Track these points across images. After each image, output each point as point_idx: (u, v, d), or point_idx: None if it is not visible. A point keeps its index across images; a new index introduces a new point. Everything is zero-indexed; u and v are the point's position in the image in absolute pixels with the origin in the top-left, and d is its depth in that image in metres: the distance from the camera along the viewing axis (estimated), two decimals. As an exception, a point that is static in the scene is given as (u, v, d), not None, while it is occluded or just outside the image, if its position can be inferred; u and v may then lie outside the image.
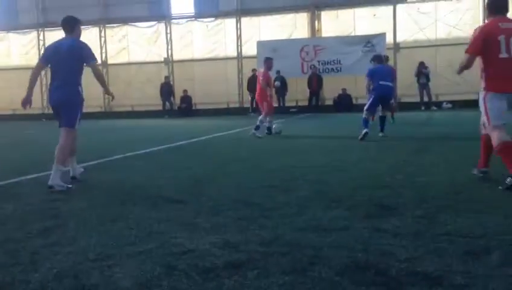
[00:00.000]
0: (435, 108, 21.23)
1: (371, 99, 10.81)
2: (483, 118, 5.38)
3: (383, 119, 11.17)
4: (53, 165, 5.77)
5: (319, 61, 23.52)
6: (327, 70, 23.57)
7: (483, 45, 5.28)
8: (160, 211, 4.49)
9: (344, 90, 23.17)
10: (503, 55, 5.20)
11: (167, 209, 4.54)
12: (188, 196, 5.13)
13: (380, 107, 11.18)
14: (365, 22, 23.66)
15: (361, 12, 23.81)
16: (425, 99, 21.81)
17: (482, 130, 5.61)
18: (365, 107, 10.84)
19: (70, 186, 5.79)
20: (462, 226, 3.65)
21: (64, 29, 6.19)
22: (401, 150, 8.46)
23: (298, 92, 24.03)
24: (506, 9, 5.49)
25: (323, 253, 3.18)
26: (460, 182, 5.35)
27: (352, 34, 23.83)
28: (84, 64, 6.05)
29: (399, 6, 23.02)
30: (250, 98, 23.66)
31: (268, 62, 12.43)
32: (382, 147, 9.03)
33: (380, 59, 11.47)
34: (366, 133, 10.08)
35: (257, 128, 11.88)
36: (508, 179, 4.90)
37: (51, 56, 6.08)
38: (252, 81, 23.13)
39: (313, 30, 24.48)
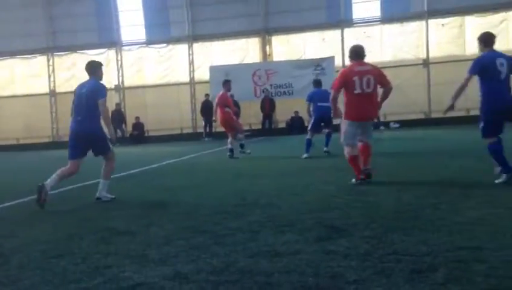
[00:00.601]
0: (383, 128, 21.77)
1: (312, 120, 11.88)
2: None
3: (328, 136, 12.20)
4: (101, 181, 6.99)
5: (271, 85, 23.83)
6: (279, 94, 23.89)
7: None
8: (108, 244, 4.38)
9: (296, 112, 23.48)
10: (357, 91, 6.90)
11: (116, 242, 4.44)
12: (137, 227, 5.04)
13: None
14: (315, 46, 24.23)
15: (311, 37, 24.37)
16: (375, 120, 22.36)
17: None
18: (308, 128, 11.96)
19: (113, 196, 6.90)
20: (409, 245, 3.74)
21: (87, 72, 7.11)
22: (350, 171, 8.58)
23: (251, 116, 24.20)
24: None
25: (274, 279, 3.18)
26: (406, 201, 5.48)
27: (303, 58, 24.30)
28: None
29: (346, 30, 23.69)
30: (203, 123, 23.65)
31: (227, 84, 12.90)
32: (332, 168, 9.16)
33: (317, 83, 12.45)
34: (306, 157, 11.24)
35: (242, 146, 12.88)
36: (353, 180, 6.89)
37: (76, 95, 7.03)
38: (206, 106, 23.23)
39: (265, 54, 24.84)
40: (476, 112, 7.39)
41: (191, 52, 25.41)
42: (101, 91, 6.83)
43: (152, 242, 4.34)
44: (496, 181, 6.18)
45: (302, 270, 3.31)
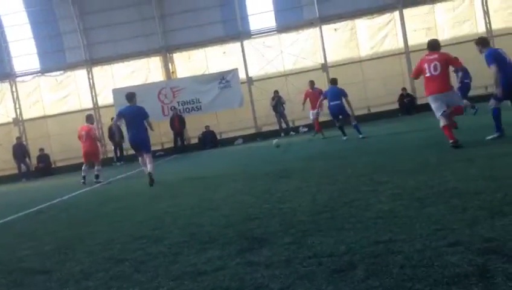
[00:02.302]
0: (293, 133, 22.36)
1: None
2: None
3: (355, 127, 14.32)
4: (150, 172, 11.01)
5: (178, 102, 23.67)
6: (188, 110, 23.80)
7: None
8: (22, 285, 4.14)
9: (207, 127, 23.54)
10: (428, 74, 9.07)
11: (31, 283, 4.20)
12: (53, 264, 4.78)
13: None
14: (217, 60, 24.43)
15: (212, 51, 24.52)
16: (284, 126, 22.91)
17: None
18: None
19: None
20: (328, 246, 3.85)
21: (128, 100, 11.64)
22: (266, 178, 8.73)
23: (162, 135, 23.88)
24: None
25: (200, 299, 3.14)
26: (321, 203, 5.64)
27: (207, 73, 24.39)
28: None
29: (246, 42, 24.11)
30: (113, 147, 23.01)
31: (90, 118, 14.95)
32: (248, 178, 9.25)
33: (333, 81, 15.49)
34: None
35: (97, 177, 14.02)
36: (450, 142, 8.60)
37: (127, 115, 11.43)
38: (112, 132, 22.58)
39: (168, 72, 24.66)
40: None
41: (90, 77, 24.66)
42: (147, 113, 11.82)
43: (70, 278, 4.14)
44: (487, 138, 8.75)
45: (226, 286, 3.31)
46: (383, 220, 4.37)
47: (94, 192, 12.04)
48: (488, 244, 3.28)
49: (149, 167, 11.26)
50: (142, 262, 4.28)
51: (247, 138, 23.17)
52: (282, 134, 22.48)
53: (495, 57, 9.00)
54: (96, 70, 24.78)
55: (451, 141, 8.62)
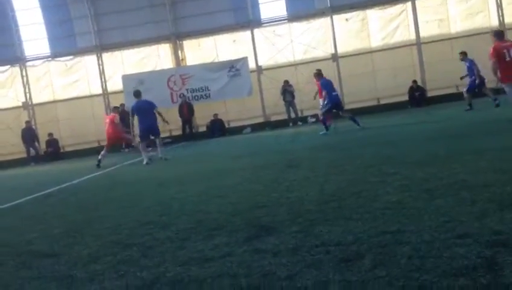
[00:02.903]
0: (300, 123, 22.30)
1: (327, 106, 14.75)
2: None
3: (352, 119, 14.85)
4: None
5: (187, 90, 23.65)
6: (197, 98, 23.77)
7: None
8: (31, 268, 4.17)
9: (216, 115, 23.52)
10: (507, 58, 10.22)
11: (39, 265, 4.22)
12: (61, 247, 4.82)
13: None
14: (227, 48, 24.32)
15: (222, 39, 24.42)
16: (293, 115, 22.86)
17: None
18: (322, 111, 14.93)
19: None
20: (335, 235, 3.84)
21: (136, 96, 14.07)
22: (274, 167, 8.73)
23: (171, 122, 23.80)
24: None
25: (207, 285, 3.15)
26: (329, 192, 5.63)
27: (216, 61, 24.33)
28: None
29: (256, 31, 23.99)
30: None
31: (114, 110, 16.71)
32: (256, 166, 9.24)
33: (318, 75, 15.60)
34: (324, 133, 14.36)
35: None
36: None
37: (139, 109, 13.68)
38: (122, 116, 22.65)
39: (178, 60, 24.61)
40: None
41: (100, 63, 24.68)
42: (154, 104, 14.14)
43: (78, 262, 4.17)
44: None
45: (234, 273, 3.31)
46: (391, 211, 4.36)
47: (103, 177, 12.11)
48: (497, 237, 3.26)
49: (160, 151, 14.39)
50: (150, 247, 4.30)
51: (256, 127, 23.15)
52: (291, 124, 22.43)
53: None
54: (106, 56, 24.78)
55: None
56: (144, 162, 13.29)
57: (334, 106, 14.98)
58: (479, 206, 4.03)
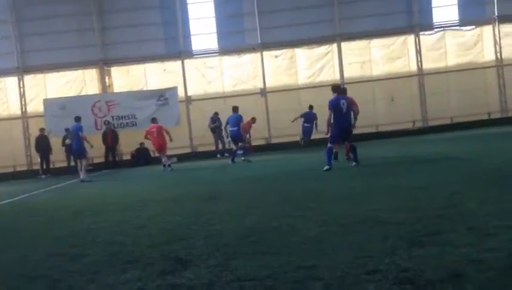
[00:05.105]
0: (227, 155, 22.29)
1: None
2: None
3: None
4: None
5: (113, 117, 23.08)
6: (122, 125, 23.25)
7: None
8: None
9: (142, 144, 23.05)
10: None
11: None
12: (-42, 279, 4.46)
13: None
14: (156, 77, 24.13)
15: (152, 68, 24.23)
16: (220, 147, 22.88)
17: None
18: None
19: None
20: (251, 270, 3.82)
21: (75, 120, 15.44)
22: (197, 199, 8.64)
23: (93, 149, 23.15)
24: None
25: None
26: (249, 226, 5.63)
27: (145, 89, 24.04)
28: None
29: (187, 61, 24.02)
30: (39, 160, 22.09)
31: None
32: (178, 197, 9.11)
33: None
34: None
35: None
36: None
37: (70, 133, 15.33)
38: (41, 141, 21.75)
39: (104, 86, 24.07)
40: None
41: (22, 85, 23.67)
42: None
43: (-26, 296, 3.88)
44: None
45: (144, 308, 3.20)
46: (308, 246, 4.41)
47: (14, 204, 11.46)
48: (405, 273, 3.36)
49: (81, 174, 15.88)
50: (57, 281, 4.08)
51: (182, 157, 22.92)
52: (218, 155, 22.42)
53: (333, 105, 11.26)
54: (28, 78, 23.84)
55: None
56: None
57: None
58: (390, 243, 4.16)
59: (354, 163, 11.45)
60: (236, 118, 17.42)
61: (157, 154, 19.50)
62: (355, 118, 12.91)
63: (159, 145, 18.05)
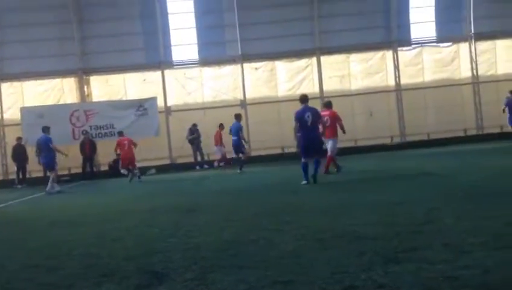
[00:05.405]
0: (206, 166, 22.25)
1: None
2: None
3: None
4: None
5: (91, 126, 22.80)
6: (100, 135, 22.99)
7: None
8: None
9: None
10: None
11: None
12: None
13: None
14: (136, 87, 23.98)
15: (131, 78, 24.07)
16: (199, 159, 22.79)
17: None
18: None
19: None
20: (228, 284, 3.81)
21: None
22: (175, 211, 8.59)
23: (70, 159, 22.88)
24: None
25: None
26: (227, 239, 5.62)
27: (124, 98, 23.87)
28: None
29: (167, 72, 23.94)
30: (16, 169, 21.72)
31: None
32: (157, 209, 9.03)
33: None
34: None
35: None
36: None
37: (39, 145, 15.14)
38: (18, 150, 21.39)
39: (83, 95, 23.83)
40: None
41: (-3, 93, 23.31)
42: None
43: None
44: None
45: (119, 323, 3.16)
46: (285, 260, 4.42)
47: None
48: (380, 289, 3.39)
49: (49, 186, 15.27)
50: (31, 293, 4.01)
51: (161, 169, 22.77)
52: (197, 167, 22.33)
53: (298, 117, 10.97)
54: (5, 86, 23.49)
55: None
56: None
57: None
58: (366, 259, 4.19)
59: (305, 182, 10.70)
60: (237, 128, 17.04)
61: (121, 169, 19.22)
62: (343, 131, 13.29)
63: (130, 158, 17.94)
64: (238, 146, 16.96)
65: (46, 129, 16.03)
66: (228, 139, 19.33)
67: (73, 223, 8.17)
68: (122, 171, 18.01)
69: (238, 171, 16.56)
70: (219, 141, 21.44)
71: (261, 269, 4.19)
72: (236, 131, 16.90)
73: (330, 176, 12.60)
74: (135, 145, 18.00)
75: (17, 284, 4.36)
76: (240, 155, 17.29)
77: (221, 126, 21.43)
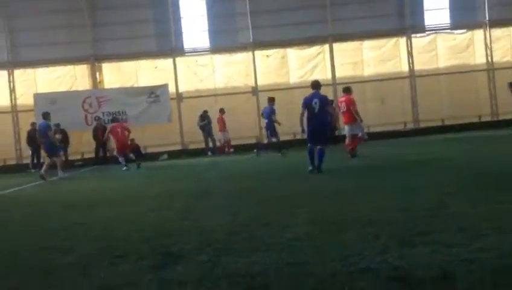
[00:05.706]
0: (217, 153, 22.30)
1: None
2: None
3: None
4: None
5: (103, 113, 22.97)
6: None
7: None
8: None
9: (132, 140, 22.94)
10: None
11: None
12: None
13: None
14: (147, 74, 24.07)
15: (143, 65, 24.15)
16: (211, 145, 22.86)
17: None
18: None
19: None
20: (243, 266, 3.82)
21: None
22: (188, 195, 8.64)
23: (83, 145, 23.06)
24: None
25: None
26: (240, 222, 5.64)
27: (136, 85, 23.95)
28: None
29: (178, 59, 23.96)
30: (30, 153, 21.95)
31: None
32: (170, 193, 9.09)
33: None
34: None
35: None
36: None
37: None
38: (32, 135, 21.57)
39: (95, 82, 23.96)
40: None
41: (11, 79, 23.51)
42: None
43: (-36, 289, 3.85)
44: None
45: (136, 302, 3.20)
46: (299, 243, 4.43)
47: (6, 197, 11.39)
48: (396, 272, 3.39)
49: (59, 172, 15.30)
50: (49, 273, 4.07)
51: (173, 154, 22.87)
52: (209, 152, 22.40)
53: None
54: (19, 73, 23.68)
55: None
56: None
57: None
58: (381, 242, 4.19)
59: (311, 169, 10.53)
60: (269, 111, 17.19)
61: (115, 154, 19.09)
62: (358, 118, 13.54)
63: (123, 144, 17.98)
64: (270, 129, 17.05)
65: (46, 115, 15.71)
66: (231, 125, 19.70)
67: (87, 207, 8.24)
68: (120, 160, 17.71)
69: (280, 154, 16.54)
70: (222, 126, 21.52)
71: (274, 251, 4.20)
72: (268, 114, 17.04)
73: (351, 160, 12.72)
74: (129, 131, 18.05)
75: (37, 263, 4.42)
76: (274, 139, 17.27)
77: (221, 111, 21.49)
